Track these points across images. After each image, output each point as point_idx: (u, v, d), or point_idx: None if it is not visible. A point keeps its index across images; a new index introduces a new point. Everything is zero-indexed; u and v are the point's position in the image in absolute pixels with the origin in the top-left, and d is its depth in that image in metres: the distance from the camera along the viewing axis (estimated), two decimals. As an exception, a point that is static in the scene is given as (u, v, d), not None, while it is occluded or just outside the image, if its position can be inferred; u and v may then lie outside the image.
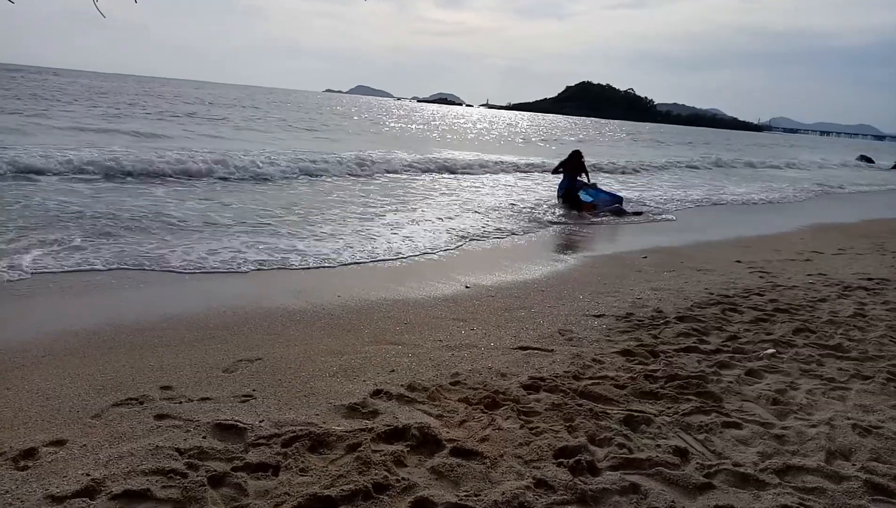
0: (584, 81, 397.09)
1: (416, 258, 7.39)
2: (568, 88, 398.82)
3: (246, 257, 6.72)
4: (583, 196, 12.48)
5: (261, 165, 13.99)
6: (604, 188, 13.53)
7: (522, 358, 4.21)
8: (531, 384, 3.71)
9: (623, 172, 22.52)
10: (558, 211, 12.05)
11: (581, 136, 58.02)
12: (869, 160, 48.89)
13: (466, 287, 6.13)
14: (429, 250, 7.76)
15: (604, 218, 11.77)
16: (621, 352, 4.36)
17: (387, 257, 7.26)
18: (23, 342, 4.05)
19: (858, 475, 2.84)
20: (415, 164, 17.99)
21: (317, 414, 3.23)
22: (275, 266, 6.53)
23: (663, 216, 12.66)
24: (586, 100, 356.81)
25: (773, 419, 3.44)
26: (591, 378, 3.84)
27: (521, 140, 42.90)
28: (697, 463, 2.91)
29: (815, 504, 2.64)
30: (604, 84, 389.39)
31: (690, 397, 3.64)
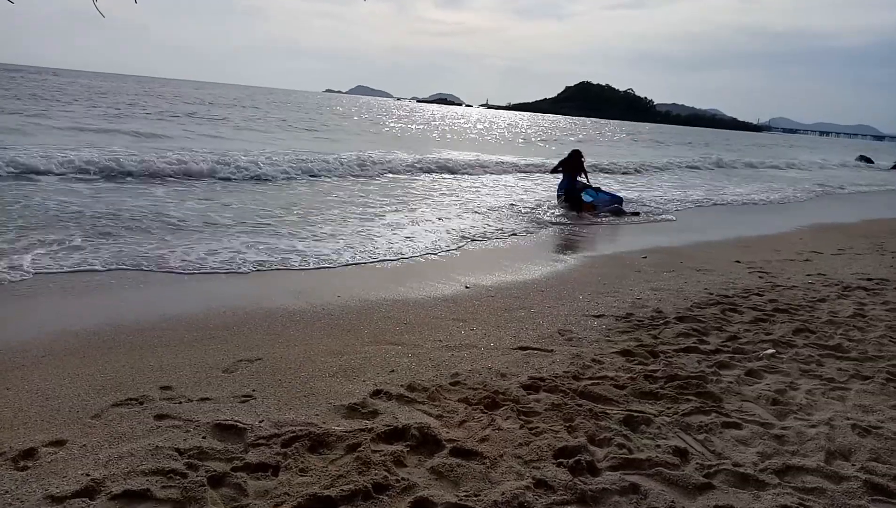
0: (583, 82, 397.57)
1: (416, 259, 7.39)
2: (567, 88, 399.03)
3: (246, 257, 6.72)
4: (583, 197, 12.50)
5: (261, 165, 14.00)
6: (603, 189, 13.53)
7: (522, 358, 4.21)
8: (531, 384, 3.71)
9: (623, 173, 22.53)
10: (558, 211, 12.05)
11: (581, 136, 58.04)
12: (868, 160, 48.91)
13: (466, 287, 6.13)
14: (429, 251, 7.76)
15: (603, 218, 11.78)
16: (621, 352, 4.36)
17: (387, 258, 7.27)
18: (23, 342, 4.05)
19: (858, 475, 2.85)
20: (415, 164, 18.00)
21: (316, 414, 3.23)
22: (275, 267, 6.53)
23: (663, 217, 12.66)
24: (586, 100, 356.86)
25: (772, 419, 3.44)
26: (590, 379, 3.84)
27: (521, 140, 42.91)
28: (697, 463, 2.92)
29: (815, 504, 2.64)
30: (603, 84, 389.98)
31: (690, 397, 3.64)
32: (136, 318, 4.67)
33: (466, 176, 17.70)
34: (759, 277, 7.15)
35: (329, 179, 14.38)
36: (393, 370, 3.91)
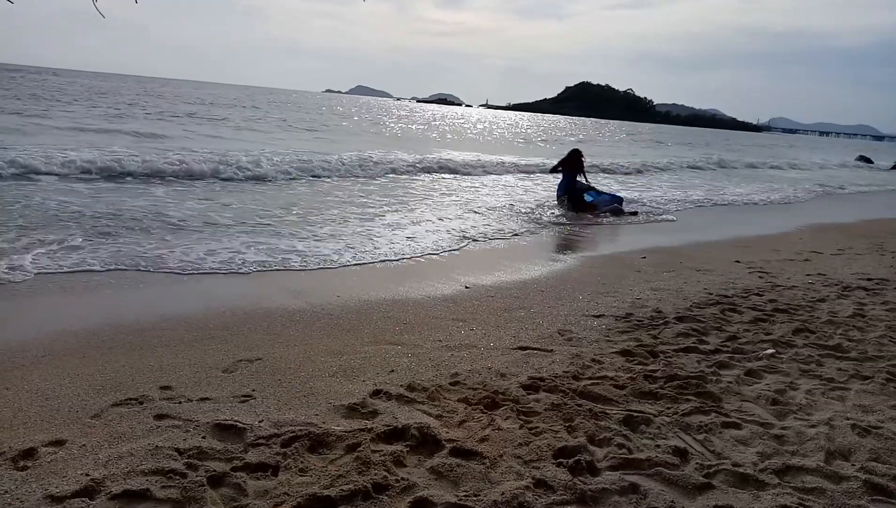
0: (583, 82, 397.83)
1: (416, 259, 7.39)
2: (567, 88, 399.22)
3: (246, 257, 6.72)
4: (585, 197, 12.50)
5: (261, 165, 14.00)
6: (603, 189, 13.52)
7: (522, 358, 4.21)
8: (531, 384, 3.71)
9: (624, 173, 22.53)
10: (558, 212, 12.05)
11: (581, 136, 58.04)
12: (868, 161, 48.90)
13: (466, 287, 6.13)
14: (429, 251, 7.76)
15: (603, 218, 11.78)
16: (621, 352, 4.36)
17: (387, 258, 7.26)
18: (22, 342, 4.05)
19: (858, 475, 2.85)
20: (415, 164, 17.99)
21: (316, 414, 3.23)
22: (274, 267, 6.53)
23: (663, 217, 12.67)
24: (586, 100, 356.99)
25: (772, 419, 3.44)
26: (590, 378, 3.84)
27: (521, 140, 42.91)
28: (697, 463, 2.92)
29: (815, 504, 2.64)
30: (603, 84, 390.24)
31: (690, 397, 3.64)
32: (136, 318, 4.67)
33: (466, 176, 17.70)
34: (759, 277, 7.16)
35: (329, 180, 14.37)
36: (393, 370, 3.91)
